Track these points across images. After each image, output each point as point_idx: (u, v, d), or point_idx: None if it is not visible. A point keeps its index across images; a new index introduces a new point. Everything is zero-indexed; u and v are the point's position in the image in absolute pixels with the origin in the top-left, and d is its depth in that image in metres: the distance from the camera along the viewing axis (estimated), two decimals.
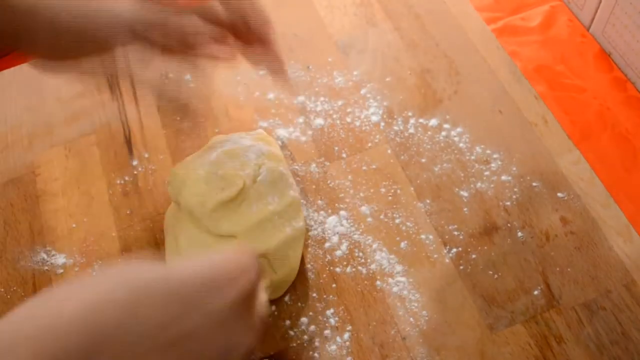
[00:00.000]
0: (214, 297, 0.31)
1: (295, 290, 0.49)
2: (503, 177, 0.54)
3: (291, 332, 0.47)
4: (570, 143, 0.55)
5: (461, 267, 0.50)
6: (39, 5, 0.41)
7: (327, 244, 0.51)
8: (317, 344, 0.47)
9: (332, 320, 0.48)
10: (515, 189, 0.53)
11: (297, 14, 0.66)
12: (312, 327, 0.47)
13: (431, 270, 0.49)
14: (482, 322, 0.47)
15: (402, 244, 0.51)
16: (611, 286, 0.48)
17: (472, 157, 0.55)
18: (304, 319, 0.48)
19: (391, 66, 0.62)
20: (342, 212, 0.53)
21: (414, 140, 0.57)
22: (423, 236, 0.51)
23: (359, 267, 0.50)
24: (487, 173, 0.54)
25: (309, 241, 0.52)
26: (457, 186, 0.54)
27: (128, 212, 0.55)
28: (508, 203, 0.52)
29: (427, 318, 0.47)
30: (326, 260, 0.51)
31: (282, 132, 0.58)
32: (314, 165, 0.56)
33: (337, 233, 0.52)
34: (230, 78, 0.62)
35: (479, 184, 0.54)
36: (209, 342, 0.31)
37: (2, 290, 0.51)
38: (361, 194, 0.54)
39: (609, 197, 0.52)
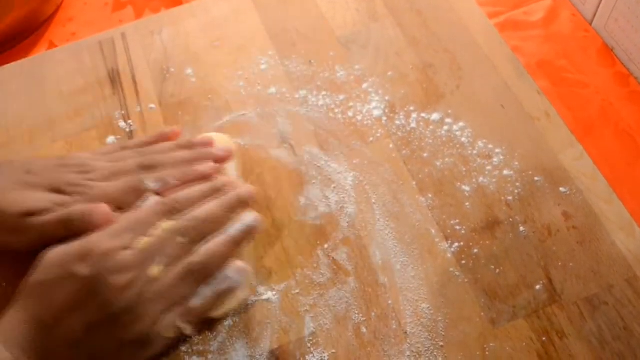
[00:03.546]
0: None
1: (297, 284, 0.49)
2: (505, 172, 0.54)
3: (292, 326, 0.47)
4: (572, 138, 0.55)
5: (463, 262, 0.49)
6: None
7: None
8: (318, 338, 0.47)
9: (333, 315, 0.48)
10: (518, 184, 0.53)
11: (299, 9, 0.66)
12: (313, 323, 0.47)
13: (433, 265, 0.49)
14: (484, 316, 0.47)
15: (404, 239, 0.51)
16: (613, 281, 0.48)
17: (474, 152, 0.55)
18: (304, 313, 0.48)
19: (393, 61, 0.61)
20: (343, 207, 0.53)
21: (416, 134, 0.56)
22: (425, 231, 0.51)
23: (361, 262, 0.50)
24: (489, 168, 0.54)
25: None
26: (459, 181, 0.53)
27: None
28: (510, 198, 0.52)
29: (429, 312, 0.47)
30: None
31: (283, 127, 0.58)
32: (315, 160, 0.56)
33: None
34: (232, 72, 0.61)
35: (481, 179, 0.53)
36: None
37: (4, 284, 0.51)
38: (362, 189, 0.54)
39: (611, 192, 0.52)
